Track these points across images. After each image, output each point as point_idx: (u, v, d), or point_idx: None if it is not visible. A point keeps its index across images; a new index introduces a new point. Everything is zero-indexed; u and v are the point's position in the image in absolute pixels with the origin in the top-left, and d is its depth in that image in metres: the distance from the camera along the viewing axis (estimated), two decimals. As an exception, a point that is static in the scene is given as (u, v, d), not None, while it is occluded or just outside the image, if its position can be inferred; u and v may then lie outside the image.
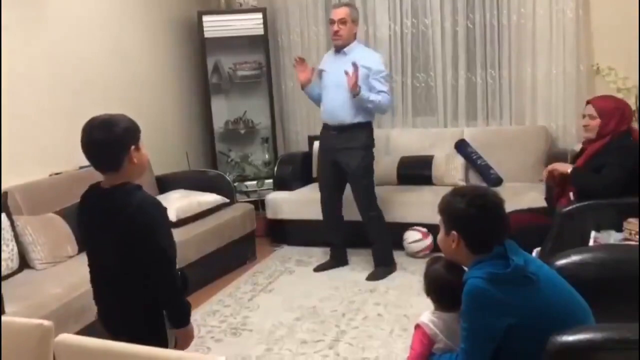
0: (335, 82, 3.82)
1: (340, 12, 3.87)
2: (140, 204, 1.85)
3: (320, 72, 4.02)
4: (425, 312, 2.00)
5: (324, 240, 4.31)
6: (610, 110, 3.16)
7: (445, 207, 1.90)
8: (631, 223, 2.72)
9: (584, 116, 3.26)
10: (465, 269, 1.90)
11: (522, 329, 1.75)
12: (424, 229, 4.20)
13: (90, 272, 2.01)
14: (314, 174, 5.01)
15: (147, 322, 1.92)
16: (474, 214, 1.82)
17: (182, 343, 1.98)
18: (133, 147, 1.88)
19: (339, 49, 3.91)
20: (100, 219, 1.91)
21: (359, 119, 3.84)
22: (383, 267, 4.02)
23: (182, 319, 1.95)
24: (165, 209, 1.93)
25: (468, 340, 1.78)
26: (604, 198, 2.92)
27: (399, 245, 4.31)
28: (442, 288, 1.95)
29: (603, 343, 1.66)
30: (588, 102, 3.29)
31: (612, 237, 2.66)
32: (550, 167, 3.27)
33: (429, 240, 4.20)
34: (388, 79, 4.03)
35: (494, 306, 1.75)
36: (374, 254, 4.07)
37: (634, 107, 4.01)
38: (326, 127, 3.98)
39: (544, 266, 1.90)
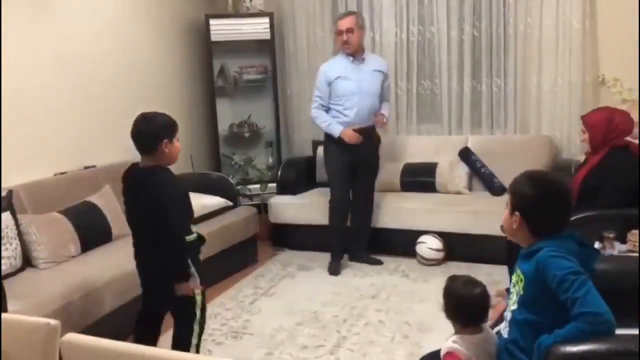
0: (362, 89, 4.05)
1: (347, 22, 3.99)
2: (160, 183, 2.44)
3: (334, 79, 4.06)
4: (448, 339, 1.91)
5: (331, 245, 4.32)
6: (596, 122, 3.27)
7: (514, 189, 1.92)
8: (634, 234, 2.73)
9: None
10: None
11: None
12: (442, 242, 4.23)
13: (131, 230, 2.63)
14: (318, 179, 5.02)
15: (163, 275, 2.48)
16: (539, 199, 1.84)
17: (182, 291, 2.51)
18: (166, 140, 2.47)
19: (354, 56, 4.06)
20: (134, 190, 2.53)
21: (374, 120, 4.20)
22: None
23: (179, 276, 2.48)
24: (178, 189, 2.54)
25: (585, 282, 1.70)
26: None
27: (397, 252, 4.36)
28: (466, 305, 1.90)
29: (606, 354, 1.66)
30: (581, 118, 3.42)
31: (616, 248, 2.67)
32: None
33: (443, 254, 4.22)
34: (390, 82, 4.40)
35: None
36: (364, 241, 4.32)
37: (636, 118, 4.02)
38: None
39: None
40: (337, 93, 4.07)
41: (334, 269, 4.20)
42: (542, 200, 1.84)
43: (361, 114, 4.07)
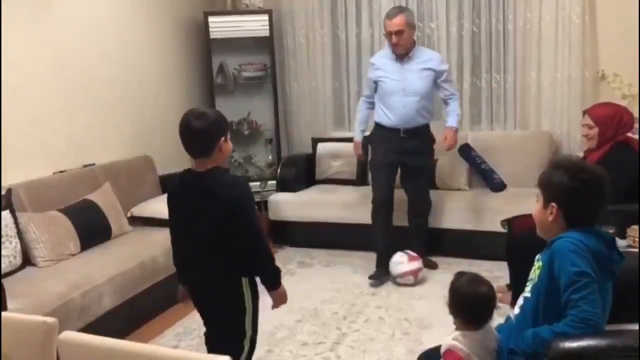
0: (404, 89, 3.81)
1: (396, 24, 3.73)
2: (232, 184, 2.15)
3: (377, 78, 3.90)
4: (447, 336, 1.90)
5: (376, 248, 4.04)
6: (606, 117, 3.23)
7: (545, 180, 1.89)
8: (635, 230, 2.73)
9: (583, 126, 3.34)
10: None
11: None
12: (413, 253, 3.91)
13: (178, 245, 2.28)
14: (317, 176, 5.02)
15: (231, 289, 2.18)
16: (575, 186, 1.81)
17: (276, 302, 2.26)
18: (223, 138, 2.15)
19: (400, 55, 3.83)
20: (198, 198, 2.15)
21: (427, 120, 3.94)
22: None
23: (274, 282, 2.22)
24: (249, 187, 2.26)
25: (586, 286, 1.70)
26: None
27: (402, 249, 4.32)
28: (471, 303, 1.87)
29: (606, 350, 1.66)
30: (585, 112, 3.35)
31: (616, 244, 2.66)
32: None
33: (415, 265, 3.85)
34: (451, 76, 4.08)
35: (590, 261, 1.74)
36: (420, 242, 4.09)
37: (637, 114, 4.02)
38: (391, 129, 3.89)
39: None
40: (380, 92, 3.90)
41: (373, 276, 3.92)
42: (578, 186, 1.81)
43: (406, 115, 3.82)
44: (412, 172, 3.97)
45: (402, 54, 3.82)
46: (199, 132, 2.11)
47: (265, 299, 2.26)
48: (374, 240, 4.04)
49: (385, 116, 3.88)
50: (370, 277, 3.93)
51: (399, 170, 4.01)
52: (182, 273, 2.31)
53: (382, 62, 3.92)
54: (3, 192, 3.17)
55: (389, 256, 3.93)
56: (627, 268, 1.92)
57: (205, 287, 2.22)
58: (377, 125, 3.98)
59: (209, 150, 2.13)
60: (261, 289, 2.25)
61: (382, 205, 3.97)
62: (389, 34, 3.77)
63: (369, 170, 4.15)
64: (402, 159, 3.90)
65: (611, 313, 1.83)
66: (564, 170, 1.85)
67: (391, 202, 3.98)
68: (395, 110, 3.84)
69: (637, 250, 2.64)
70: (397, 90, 3.82)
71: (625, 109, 3.37)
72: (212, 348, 2.32)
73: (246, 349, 2.24)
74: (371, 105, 4.03)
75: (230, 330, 2.22)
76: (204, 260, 2.17)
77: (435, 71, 3.85)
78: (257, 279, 2.23)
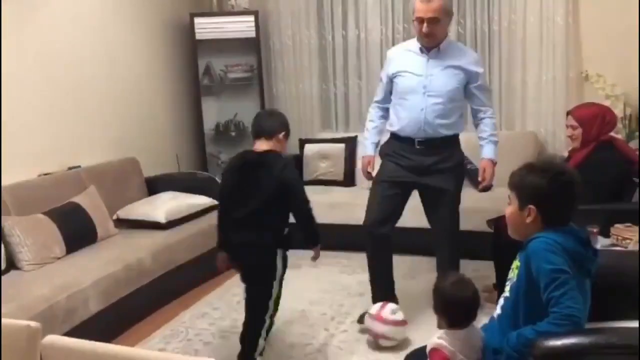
0: (425, 86, 3.04)
1: (432, 9, 2.92)
2: (286, 164, 2.69)
3: (393, 73, 3.14)
4: (434, 335, 1.92)
5: (370, 283, 3.33)
6: (589, 117, 3.28)
7: (520, 182, 1.90)
8: (618, 229, 2.76)
9: (567, 127, 3.37)
10: None
11: None
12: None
13: (227, 214, 2.75)
14: (305, 177, 5.02)
15: (267, 255, 2.71)
16: (555, 190, 1.83)
17: (316, 254, 2.86)
18: (284, 132, 2.77)
19: (428, 47, 3.07)
20: (255, 173, 2.66)
21: (453, 130, 3.13)
22: None
23: (317, 238, 2.82)
24: (296, 169, 2.89)
25: (565, 283, 1.72)
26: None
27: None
28: (455, 306, 1.90)
29: (589, 348, 1.68)
30: (568, 113, 3.40)
31: (600, 242, 2.69)
32: None
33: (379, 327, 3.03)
34: (487, 83, 3.40)
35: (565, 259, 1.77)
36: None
37: (621, 114, 4.08)
38: (404, 140, 3.13)
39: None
40: (395, 90, 3.14)
41: (361, 318, 3.27)
42: (556, 187, 1.83)
43: (422, 120, 3.04)
44: (432, 196, 3.14)
45: (431, 46, 3.06)
46: (272, 115, 2.84)
47: None
48: (369, 274, 3.32)
49: (397, 122, 3.14)
50: (359, 322, 3.31)
51: (414, 194, 3.25)
52: (226, 239, 2.76)
53: (402, 54, 3.16)
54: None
55: (388, 294, 3.25)
56: (606, 266, 1.95)
57: (248, 251, 2.68)
58: (390, 136, 3.25)
59: (272, 133, 2.71)
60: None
61: (370, 235, 3.18)
62: (419, 21, 2.97)
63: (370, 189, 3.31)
64: (419, 179, 3.12)
65: (592, 311, 1.85)
66: (541, 172, 1.87)
67: (388, 235, 3.18)
68: (410, 113, 3.07)
69: (621, 248, 2.68)
70: (417, 88, 3.04)
71: (608, 108, 3.42)
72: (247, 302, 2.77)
73: (270, 308, 2.73)
74: (386, 113, 3.27)
75: (261, 291, 2.71)
76: (252, 228, 2.64)
77: (465, 71, 3.05)
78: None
